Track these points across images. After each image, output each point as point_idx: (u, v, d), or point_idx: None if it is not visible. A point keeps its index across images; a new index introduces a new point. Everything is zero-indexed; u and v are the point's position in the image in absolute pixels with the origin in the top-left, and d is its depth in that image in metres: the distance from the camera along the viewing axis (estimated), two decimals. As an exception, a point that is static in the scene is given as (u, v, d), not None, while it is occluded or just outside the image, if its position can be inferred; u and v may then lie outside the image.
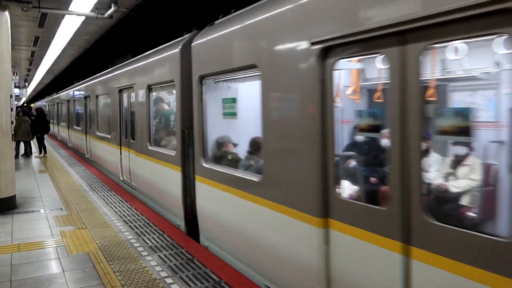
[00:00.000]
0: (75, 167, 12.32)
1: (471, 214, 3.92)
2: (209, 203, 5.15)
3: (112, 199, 7.89)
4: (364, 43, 2.83)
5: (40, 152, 15.04)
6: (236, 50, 4.52)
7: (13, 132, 7.38)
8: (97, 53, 15.54)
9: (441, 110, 2.72)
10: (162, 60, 6.63)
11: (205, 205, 5.26)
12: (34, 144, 15.51)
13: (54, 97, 25.88)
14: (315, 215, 3.22)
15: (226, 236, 4.78)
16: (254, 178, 4.14)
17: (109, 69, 10.96)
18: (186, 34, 6.15)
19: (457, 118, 2.53)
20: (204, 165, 5.17)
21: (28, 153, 14.87)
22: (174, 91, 6.20)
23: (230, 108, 4.99)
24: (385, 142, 3.63)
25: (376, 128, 3.28)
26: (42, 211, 7.12)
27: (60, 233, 5.80)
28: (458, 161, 4.23)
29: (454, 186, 4.09)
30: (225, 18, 5.00)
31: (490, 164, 4.17)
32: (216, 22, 5.21)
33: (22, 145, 14.78)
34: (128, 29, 12.10)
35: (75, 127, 16.71)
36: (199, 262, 4.64)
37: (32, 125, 14.28)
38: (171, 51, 6.19)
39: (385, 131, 3.09)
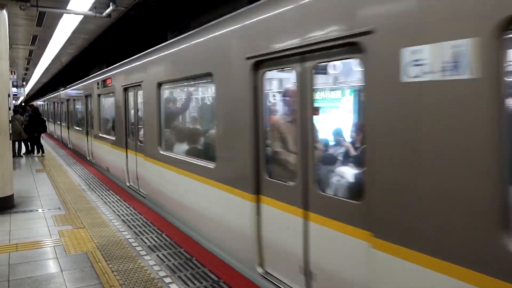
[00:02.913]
0: (74, 166, 12.30)
1: None
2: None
3: (110, 199, 7.88)
4: None
5: (38, 152, 14.99)
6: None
7: (10, 132, 7.36)
8: (95, 52, 15.50)
9: None
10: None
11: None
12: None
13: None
14: None
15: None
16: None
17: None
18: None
19: None
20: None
21: (20, 152, 14.79)
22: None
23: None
24: None
25: None
26: (40, 210, 7.11)
27: (58, 233, 5.79)
28: None
29: None
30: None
31: None
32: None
33: (21, 144, 14.79)
34: (127, 29, 12.08)
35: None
36: (198, 262, 4.63)
37: (28, 124, 14.24)
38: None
39: None
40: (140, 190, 7.90)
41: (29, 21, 10.26)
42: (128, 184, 8.67)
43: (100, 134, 11.41)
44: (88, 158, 13.49)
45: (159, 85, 6.56)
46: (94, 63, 14.12)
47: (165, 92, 7.11)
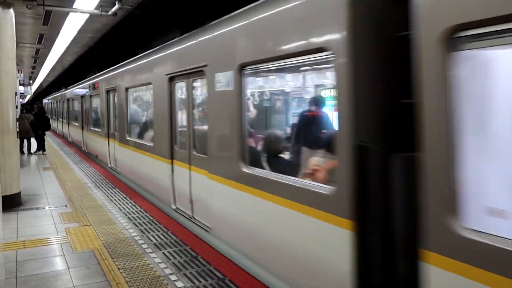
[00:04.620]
0: (80, 164, 12.37)
1: None
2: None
3: (116, 196, 7.92)
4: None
5: (39, 150, 15.17)
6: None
7: (17, 130, 7.41)
8: (101, 50, 15.57)
9: None
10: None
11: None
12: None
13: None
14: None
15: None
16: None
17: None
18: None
19: None
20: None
21: (30, 150, 15.01)
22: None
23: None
24: None
25: None
26: (47, 208, 7.16)
27: (65, 230, 5.84)
28: None
29: None
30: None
31: None
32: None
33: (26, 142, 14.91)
34: (132, 27, 12.10)
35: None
36: (203, 260, 4.65)
37: (33, 122, 14.41)
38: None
39: None
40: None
41: (35, 20, 10.30)
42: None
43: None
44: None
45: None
46: (99, 62, 14.22)
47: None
